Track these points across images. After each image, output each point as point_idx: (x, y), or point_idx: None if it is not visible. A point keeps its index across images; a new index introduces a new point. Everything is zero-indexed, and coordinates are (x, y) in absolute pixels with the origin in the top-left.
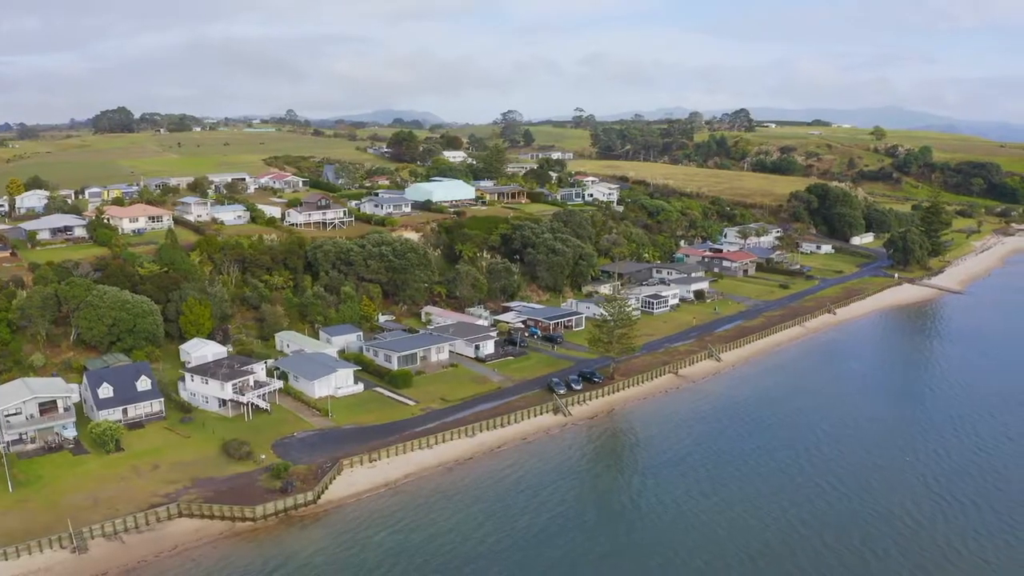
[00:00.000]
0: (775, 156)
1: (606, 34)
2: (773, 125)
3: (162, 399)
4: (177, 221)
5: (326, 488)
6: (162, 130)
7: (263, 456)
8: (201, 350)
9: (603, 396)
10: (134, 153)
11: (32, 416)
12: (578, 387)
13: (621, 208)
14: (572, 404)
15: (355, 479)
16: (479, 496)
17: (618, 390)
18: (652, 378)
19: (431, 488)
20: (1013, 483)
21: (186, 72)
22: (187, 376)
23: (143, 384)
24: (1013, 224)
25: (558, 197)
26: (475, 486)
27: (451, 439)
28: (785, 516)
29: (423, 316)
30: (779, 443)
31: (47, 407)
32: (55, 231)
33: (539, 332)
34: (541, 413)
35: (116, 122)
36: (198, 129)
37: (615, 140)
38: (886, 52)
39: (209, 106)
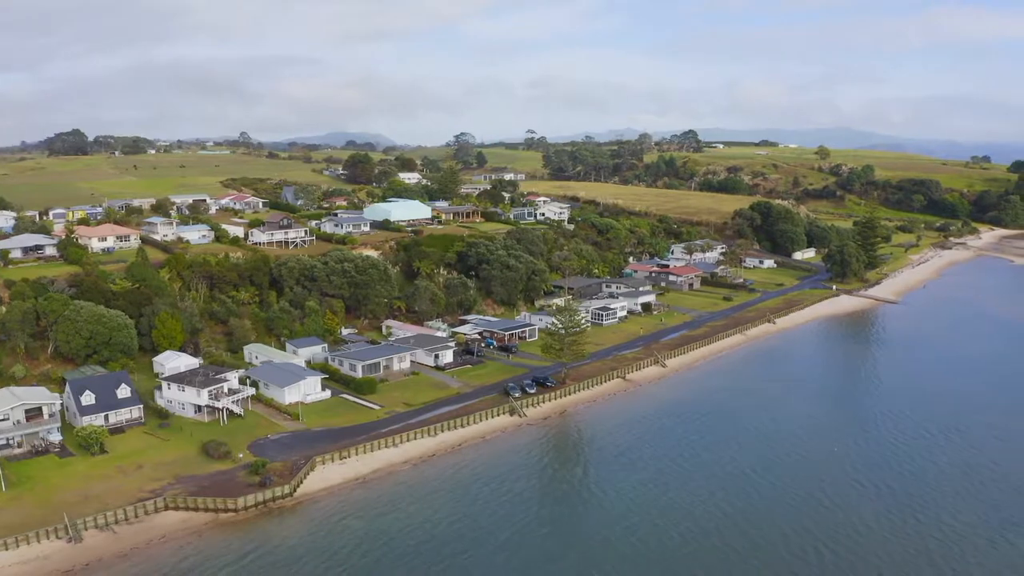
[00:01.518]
0: (722, 176)
1: (557, 56)
2: (721, 146)
3: (141, 406)
4: (144, 240)
5: (301, 482)
6: (117, 152)
7: (241, 455)
8: (174, 362)
9: (556, 399)
10: (91, 175)
11: (19, 422)
12: (532, 391)
13: (572, 226)
14: (527, 406)
15: (328, 474)
16: (440, 487)
17: (570, 393)
18: (602, 382)
19: (397, 481)
20: (927, 470)
21: (136, 94)
22: (164, 384)
23: (123, 392)
24: (951, 238)
25: (511, 216)
26: (437, 479)
27: (415, 438)
28: (713, 499)
29: (384, 329)
30: (716, 439)
31: (33, 413)
32: (26, 250)
33: (495, 343)
34: (498, 415)
35: (70, 144)
36: (152, 151)
37: (566, 161)
38: (835, 72)
39: (159, 128)
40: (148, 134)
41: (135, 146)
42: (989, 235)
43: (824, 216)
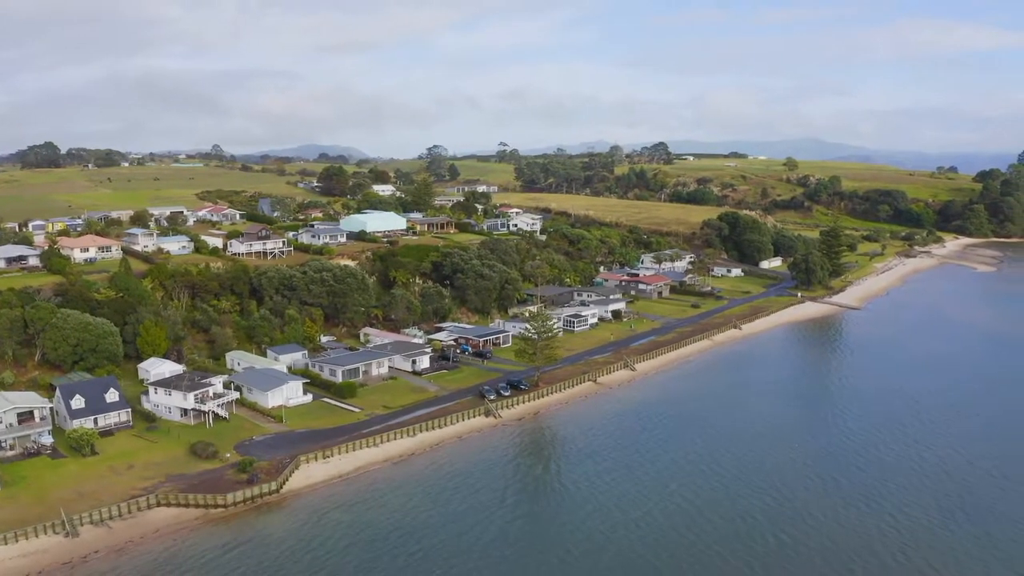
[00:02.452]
0: (692, 187)
1: (529, 69)
2: (691, 158)
3: (129, 409)
4: (125, 251)
5: (287, 479)
6: (90, 165)
7: (228, 455)
8: (159, 368)
9: (529, 401)
10: (66, 188)
11: (11, 425)
12: (507, 393)
13: (544, 237)
14: (502, 408)
15: (312, 472)
16: (420, 483)
17: (543, 396)
18: (573, 385)
19: (378, 478)
20: (872, 464)
21: (107, 106)
22: (151, 389)
23: (111, 396)
24: (916, 247)
25: (484, 227)
26: (416, 475)
27: (395, 438)
28: (667, 490)
29: (362, 337)
30: (680, 437)
31: (24, 417)
32: (10, 260)
33: (470, 348)
34: (474, 416)
35: (43, 157)
36: (126, 164)
37: (538, 174)
38: (804, 85)
39: (130, 141)
40: (119, 147)
41: (108, 159)
42: (953, 244)
43: (792, 226)
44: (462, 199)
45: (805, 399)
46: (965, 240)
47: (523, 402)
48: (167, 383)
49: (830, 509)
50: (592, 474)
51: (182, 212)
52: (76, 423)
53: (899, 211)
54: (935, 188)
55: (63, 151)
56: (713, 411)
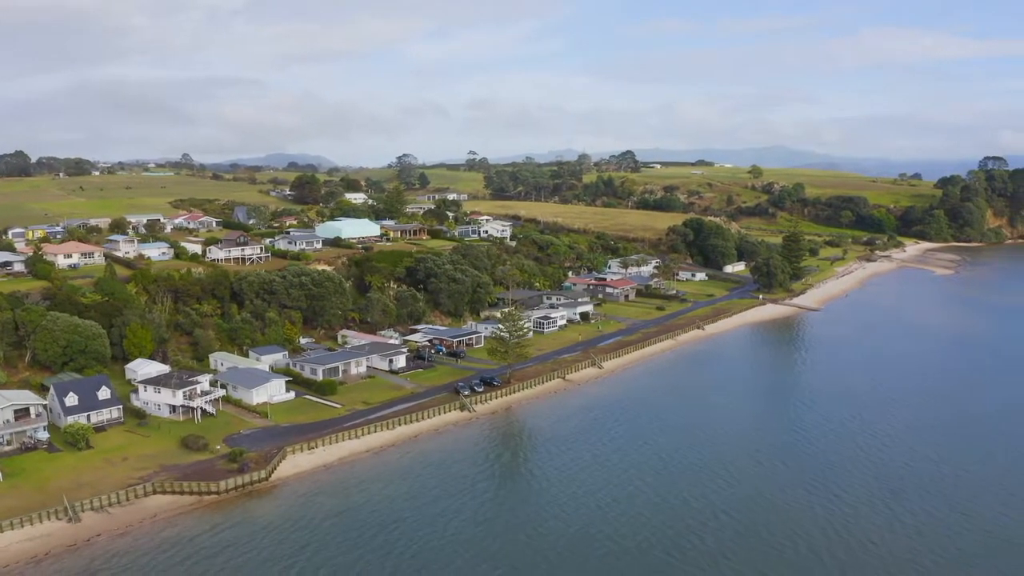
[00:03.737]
0: (659, 195)
1: (498, 78)
2: (658, 166)
3: (121, 406)
4: (107, 257)
5: (275, 468)
6: (61, 174)
7: (218, 447)
8: (145, 368)
9: (502, 396)
10: (38, 196)
11: (8, 421)
12: (480, 389)
13: (514, 243)
14: (476, 403)
15: (298, 462)
16: (399, 470)
17: (515, 392)
18: (543, 382)
19: (361, 467)
20: (817, 450)
21: (74, 116)
22: (140, 387)
23: (103, 394)
24: (876, 252)
25: (456, 234)
26: (396, 464)
27: (375, 431)
28: (628, 475)
29: (340, 338)
30: (642, 429)
31: (21, 414)
32: None
33: (444, 349)
34: (450, 410)
35: (13, 166)
36: (96, 173)
37: (507, 182)
38: (770, 93)
39: (97, 150)
40: (86, 156)
41: (78, 167)
42: (914, 248)
43: (756, 232)
44: (433, 207)
45: (760, 393)
46: (925, 245)
47: (496, 397)
48: (157, 381)
49: (779, 490)
50: (560, 462)
51: (159, 220)
52: (70, 419)
53: (861, 217)
54: (897, 194)
55: (33, 160)
56: (675, 405)
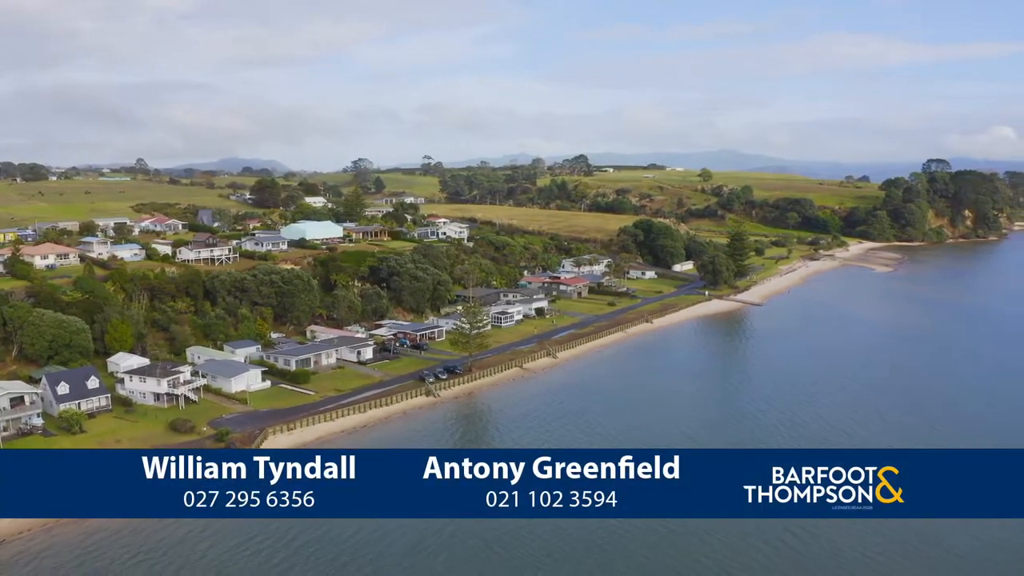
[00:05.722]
0: (611, 198)
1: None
2: (611, 170)
3: (108, 395)
4: (82, 258)
5: (260, 446)
6: (18, 179)
7: (204, 429)
8: (127, 361)
9: (464, 383)
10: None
11: (5, 408)
12: (444, 377)
13: (472, 244)
14: (440, 389)
15: (279, 441)
16: (370, 448)
17: (476, 379)
18: (502, 370)
19: (336, 445)
20: (748, 429)
21: (20, 120)
22: (126, 377)
23: (92, 383)
24: (821, 251)
25: (416, 235)
26: (367, 443)
27: (348, 414)
28: (566, 439)
29: (308, 334)
30: (590, 408)
31: (16, 401)
32: None
33: (408, 342)
34: (416, 396)
35: None
36: (54, 178)
37: (463, 186)
38: (721, 98)
39: (46, 155)
40: (36, 161)
41: (34, 173)
42: (857, 247)
43: (706, 233)
44: (391, 210)
45: (701, 377)
46: (869, 244)
47: (458, 384)
48: (142, 371)
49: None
50: (517, 437)
51: (126, 223)
52: (63, 406)
53: (807, 218)
54: (842, 196)
55: None
56: (623, 387)
